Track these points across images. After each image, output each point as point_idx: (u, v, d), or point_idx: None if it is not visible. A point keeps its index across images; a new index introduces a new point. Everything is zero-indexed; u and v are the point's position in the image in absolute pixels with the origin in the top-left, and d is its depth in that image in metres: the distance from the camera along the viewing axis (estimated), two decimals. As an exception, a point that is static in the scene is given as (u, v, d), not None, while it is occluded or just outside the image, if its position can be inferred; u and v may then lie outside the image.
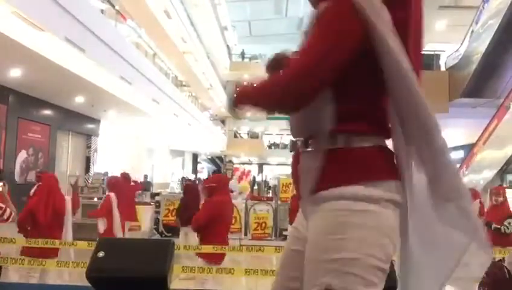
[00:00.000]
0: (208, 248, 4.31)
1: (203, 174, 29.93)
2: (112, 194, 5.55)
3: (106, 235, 5.28)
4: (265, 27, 28.57)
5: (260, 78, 1.29)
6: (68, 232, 4.64)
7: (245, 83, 1.31)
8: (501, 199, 5.57)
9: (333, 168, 1.21)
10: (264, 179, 26.90)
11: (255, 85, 1.26)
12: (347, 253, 1.13)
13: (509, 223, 5.29)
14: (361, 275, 1.13)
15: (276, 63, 1.45)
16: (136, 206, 9.40)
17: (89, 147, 15.27)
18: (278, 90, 1.20)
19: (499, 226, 5.27)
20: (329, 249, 1.15)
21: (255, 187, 18.30)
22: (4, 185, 4.21)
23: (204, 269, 4.05)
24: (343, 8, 1.18)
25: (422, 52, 1.36)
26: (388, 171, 1.22)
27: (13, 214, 4.05)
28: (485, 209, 6.25)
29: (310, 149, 1.26)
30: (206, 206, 4.60)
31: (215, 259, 4.31)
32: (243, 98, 1.29)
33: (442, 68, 13.86)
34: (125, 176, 7.24)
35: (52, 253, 4.35)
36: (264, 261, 6.14)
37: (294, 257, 1.32)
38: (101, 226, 5.43)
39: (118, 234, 5.37)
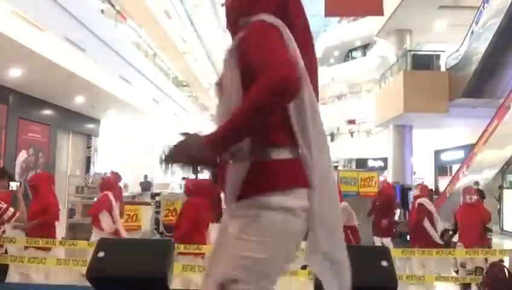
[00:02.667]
0: (208, 248, 4.31)
1: (202, 175, 29.85)
2: (110, 193, 5.55)
3: (114, 235, 5.31)
4: (265, 27, 28.53)
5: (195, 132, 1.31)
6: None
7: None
8: (475, 197, 5.65)
9: (254, 179, 1.35)
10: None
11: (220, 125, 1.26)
12: (256, 253, 1.30)
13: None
14: (266, 272, 1.32)
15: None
16: (136, 206, 9.41)
17: (89, 147, 15.28)
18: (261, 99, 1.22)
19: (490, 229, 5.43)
20: (243, 247, 1.31)
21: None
22: (20, 185, 4.22)
23: (205, 268, 4.04)
24: (265, 26, 1.35)
25: (314, 52, 1.55)
26: (300, 180, 1.36)
27: (18, 214, 4.05)
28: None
29: (235, 161, 1.38)
30: None
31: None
32: (217, 144, 1.26)
33: (442, 68, 13.84)
34: (116, 175, 7.23)
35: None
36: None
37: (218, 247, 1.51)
38: (107, 224, 5.40)
39: (123, 233, 5.39)
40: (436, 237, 5.62)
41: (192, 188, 4.63)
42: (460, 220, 5.74)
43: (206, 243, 4.43)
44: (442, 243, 5.61)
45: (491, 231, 5.53)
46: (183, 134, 1.32)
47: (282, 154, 1.36)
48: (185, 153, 1.29)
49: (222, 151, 1.31)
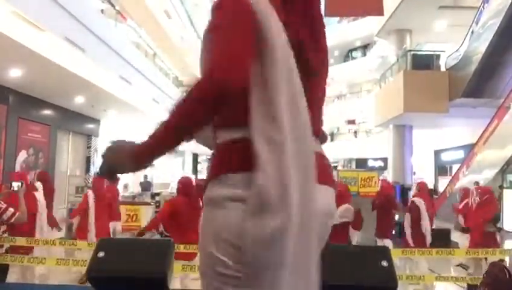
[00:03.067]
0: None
1: (203, 175, 29.94)
2: (90, 192, 5.51)
3: (79, 234, 5.26)
4: (265, 27, 28.53)
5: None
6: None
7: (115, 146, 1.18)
8: (477, 199, 5.63)
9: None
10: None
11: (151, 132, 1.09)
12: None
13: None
14: (208, 283, 1.12)
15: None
16: (136, 206, 9.42)
17: (89, 147, 15.27)
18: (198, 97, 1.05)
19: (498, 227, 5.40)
20: None
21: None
22: (21, 185, 4.21)
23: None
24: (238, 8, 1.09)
25: (327, 52, 1.31)
26: (233, 164, 1.10)
27: (18, 214, 4.03)
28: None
29: None
30: None
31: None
32: (145, 153, 1.11)
33: (442, 68, 13.85)
34: None
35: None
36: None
37: None
38: (76, 225, 5.40)
39: (92, 233, 5.27)
40: (409, 237, 5.61)
41: (180, 187, 4.75)
42: (468, 224, 5.75)
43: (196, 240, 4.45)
44: (413, 245, 5.55)
45: (499, 229, 5.53)
46: (113, 142, 1.19)
47: (226, 136, 1.15)
48: (107, 161, 1.15)
49: (147, 162, 1.13)
